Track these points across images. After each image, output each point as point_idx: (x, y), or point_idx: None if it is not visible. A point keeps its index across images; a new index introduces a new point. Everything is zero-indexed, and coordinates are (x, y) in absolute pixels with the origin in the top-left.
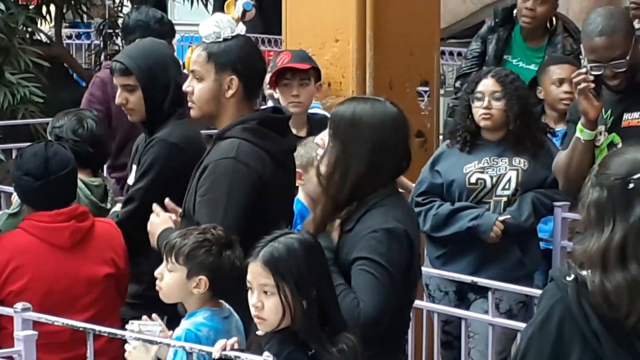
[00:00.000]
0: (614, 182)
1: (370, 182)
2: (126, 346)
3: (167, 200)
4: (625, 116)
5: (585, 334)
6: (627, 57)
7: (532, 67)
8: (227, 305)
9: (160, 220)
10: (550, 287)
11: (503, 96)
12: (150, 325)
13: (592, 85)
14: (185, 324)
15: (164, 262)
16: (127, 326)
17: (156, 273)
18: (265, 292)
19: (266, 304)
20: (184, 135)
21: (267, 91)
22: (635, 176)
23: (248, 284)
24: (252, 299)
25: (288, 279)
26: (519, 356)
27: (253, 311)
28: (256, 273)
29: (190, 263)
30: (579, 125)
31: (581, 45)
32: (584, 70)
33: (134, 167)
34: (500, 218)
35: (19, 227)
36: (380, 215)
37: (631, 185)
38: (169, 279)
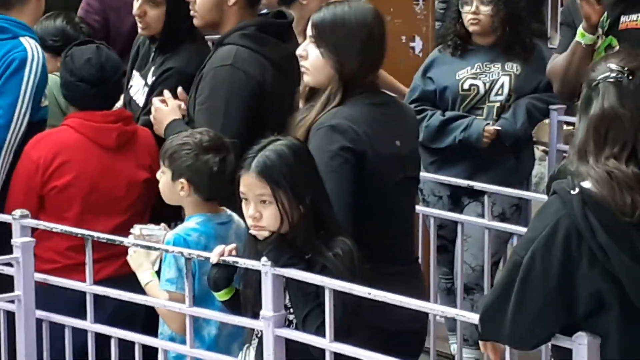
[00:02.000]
0: (586, 82)
1: (361, 79)
2: (129, 249)
3: (179, 89)
4: (623, 19)
5: (592, 248)
6: None
7: None
8: (229, 211)
9: (168, 109)
10: (554, 201)
11: (491, 1)
12: (156, 230)
13: None
14: (176, 229)
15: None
16: (131, 230)
17: (157, 175)
18: (263, 202)
19: (264, 213)
20: (200, 65)
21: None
22: (596, 78)
23: (242, 195)
24: (250, 209)
25: (284, 185)
26: (523, 272)
27: (250, 221)
28: (251, 184)
29: (173, 165)
30: (580, 30)
31: None
32: None
33: (136, 73)
34: (489, 127)
35: (64, 124)
36: (332, 113)
37: (593, 84)
38: (162, 181)
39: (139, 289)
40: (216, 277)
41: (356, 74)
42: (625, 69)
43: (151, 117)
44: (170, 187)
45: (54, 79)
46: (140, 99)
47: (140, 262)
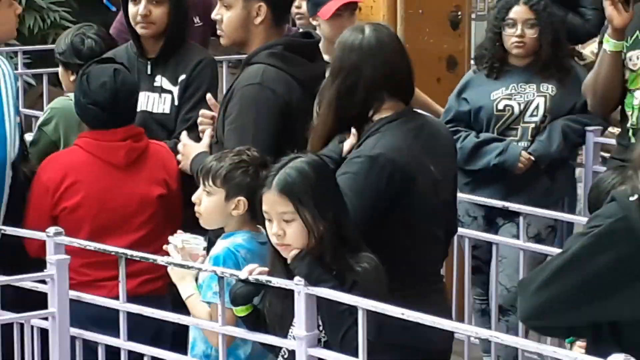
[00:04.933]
0: None
1: (349, 104)
2: (167, 258)
3: (208, 95)
4: None
5: None
6: None
7: None
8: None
9: (199, 145)
10: (611, 206)
11: (537, 24)
12: (194, 240)
13: None
14: (224, 243)
15: (201, 186)
16: (169, 238)
17: (194, 198)
18: (286, 220)
19: (288, 231)
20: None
21: (299, 21)
22: None
23: (265, 215)
24: (273, 228)
25: (306, 202)
26: (569, 255)
27: (274, 239)
28: (273, 202)
29: (228, 185)
30: (605, 36)
31: None
32: None
33: None
34: (525, 154)
35: (75, 144)
36: (372, 141)
37: None
38: (208, 202)
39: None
40: (237, 292)
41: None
42: None
43: (179, 146)
44: (223, 207)
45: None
46: (160, 107)
47: (182, 275)
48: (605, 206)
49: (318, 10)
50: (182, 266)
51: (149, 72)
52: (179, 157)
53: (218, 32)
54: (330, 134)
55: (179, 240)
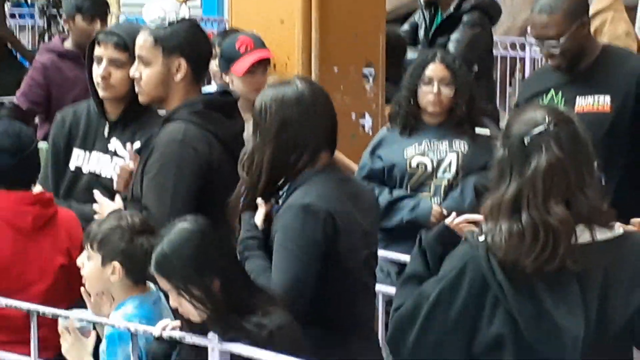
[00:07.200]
0: (512, 140)
1: (287, 161)
2: (62, 342)
3: (128, 147)
4: (579, 101)
5: (492, 288)
6: (562, 40)
7: None
8: (154, 288)
9: (113, 205)
10: (463, 247)
11: (453, 82)
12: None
13: None
14: (116, 316)
15: (85, 250)
16: (59, 320)
17: (78, 262)
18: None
19: (182, 303)
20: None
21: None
22: (531, 133)
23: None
24: (171, 302)
25: (178, 277)
26: (429, 307)
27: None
28: (159, 281)
29: (103, 249)
30: None
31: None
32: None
33: (80, 151)
34: (437, 208)
35: None
36: (302, 192)
37: (527, 142)
38: (88, 266)
39: None
40: (154, 351)
41: (277, 156)
42: (551, 119)
43: (95, 206)
44: (100, 271)
45: None
46: (109, 172)
47: (80, 356)
48: (458, 248)
49: (231, 67)
50: (93, 323)
51: (105, 134)
52: (96, 216)
53: (136, 89)
54: (266, 194)
55: (72, 320)
